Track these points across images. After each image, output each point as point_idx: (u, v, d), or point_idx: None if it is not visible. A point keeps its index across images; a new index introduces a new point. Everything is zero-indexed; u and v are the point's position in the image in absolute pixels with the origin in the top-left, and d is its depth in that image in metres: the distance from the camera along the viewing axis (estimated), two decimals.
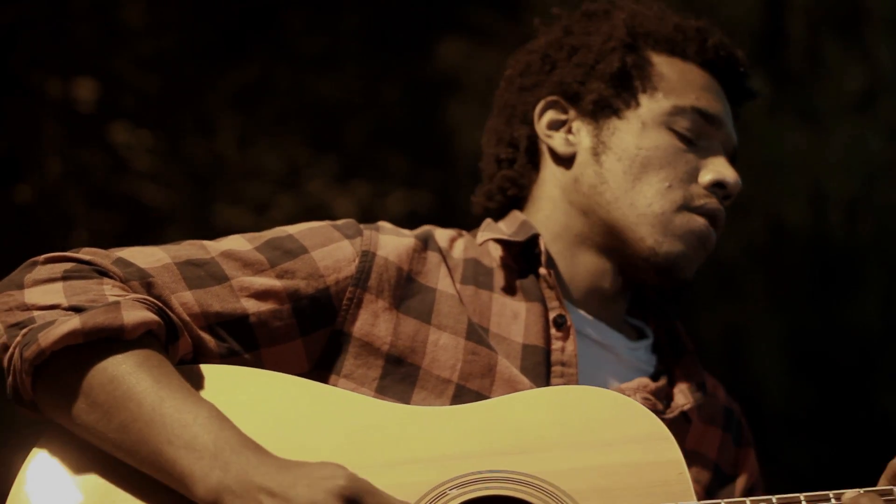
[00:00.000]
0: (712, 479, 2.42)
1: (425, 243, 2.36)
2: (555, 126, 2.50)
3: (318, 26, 5.52)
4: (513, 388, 2.23)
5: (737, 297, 5.64)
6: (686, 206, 2.39)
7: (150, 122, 5.16)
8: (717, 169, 2.42)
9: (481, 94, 5.47)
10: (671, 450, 2.03)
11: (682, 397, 2.41)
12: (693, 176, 2.41)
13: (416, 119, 5.56)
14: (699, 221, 2.40)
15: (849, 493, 1.99)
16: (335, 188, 5.31)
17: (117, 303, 2.00)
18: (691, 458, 2.30)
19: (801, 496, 1.99)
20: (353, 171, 5.35)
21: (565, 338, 2.32)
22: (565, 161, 2.47)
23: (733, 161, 2.49)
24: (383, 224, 2.40)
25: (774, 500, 1.99)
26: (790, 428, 5.27)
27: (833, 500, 1.99)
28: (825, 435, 5.33)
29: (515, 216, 2.49)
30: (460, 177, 5.33)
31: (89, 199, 5.03)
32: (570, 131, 2.48)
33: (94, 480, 1.98)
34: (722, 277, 5.51)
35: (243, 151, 5.39)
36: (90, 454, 2.00)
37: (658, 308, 2.56)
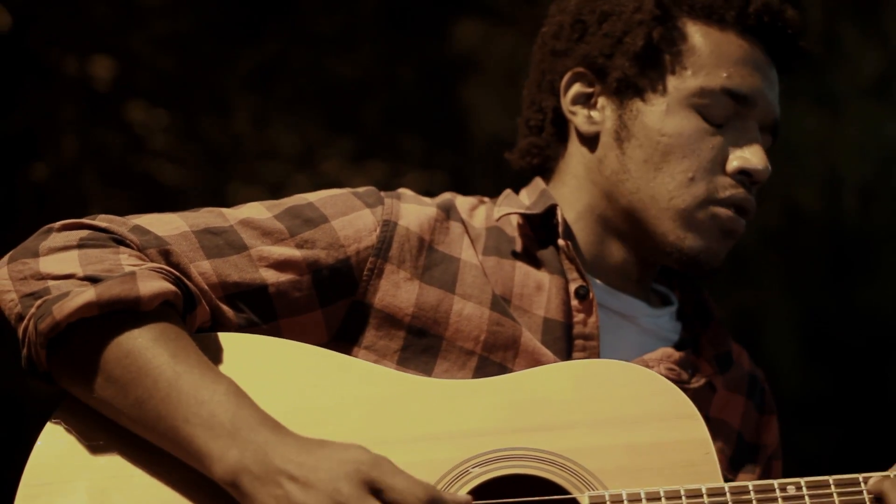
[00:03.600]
0: (736, 448, 2.39)
1: (447, 213, 2.32)
2: (580, 100, 2.40)
3: (335, 7, 5.51)
4: (536, 360, 2.20)
5: (751, 281, 5.63)
6: (709, 200, 2.29)
7: (166, 101, 5.16)
8: (745, 156, 2.30)
9: (497, 75, 5.47)
10: (698, 429, 2.00)
11: (708, 366, 2.38)
12: (719, 163, 2.31)
13: (431, 100, 5.56)
14: (724, 213, 2.30)
15: (875, 478, 1.98)
16: (350, 168, 5.31)
17: (133, 273, 1.96)
18: (714, 426, 2.27)
19: (831, 479, 1.97)
20: (368, 152, 5.35)
21: (587, 310, 2.28)
22: (589, 140, 2.39)
23: (774, 133, 2.39)
24: (404, 191, 2.36)
25: (803, 484, 1.96)
26: (804, 412, 5.27)
27: (863, 487, 1.96)
28: (839, 419, 5.33)
29: (537, 184, 2.44)
30: (475, 158, 5.33)
31: (105, 177, 5.04)
32: (595, 107, 2.39)
33: (109, 455, 1.97)
34: (736, 261, 5.48)
35: (259, 131, 5.39)
36: (105, 428, 1.98)
37: (684, 276, 2.51)
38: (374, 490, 1.82)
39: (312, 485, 1.82)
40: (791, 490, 1.96)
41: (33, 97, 4.95)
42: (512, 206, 2.37)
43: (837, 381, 5.45)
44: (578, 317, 2.27)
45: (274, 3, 5.38)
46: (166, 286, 1.98)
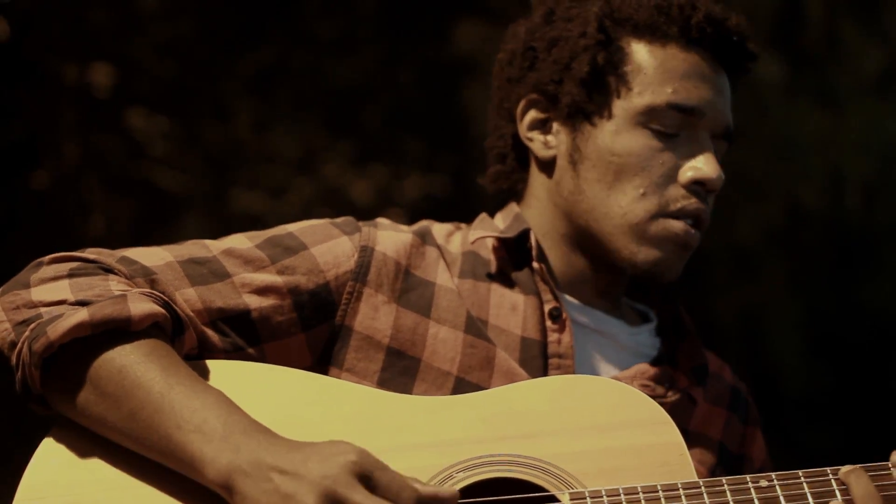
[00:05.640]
0: (718, 459, 2.42)
1: (423, 238, 2.38)
2: (536, 126, 2.43)
3: (335, 10, 5.52)
4: (511, 380, 2.25)
5: (754, 279, 5.64)
6: (662, 213, 2.33)
7: (166, 107, 5.17)
8: (696, 166, 2.33)
9: None
10: (671, 432, 2.06)
11: (685, 378, 2.42)
12: (671, 176, 2.34)
13: (432, 103, 5.57)
14: (676, 226, 2.33)
15: (844, 469, 2.02)
16: (352, 172, 5.32)
17: (124, 295, 2.02)
18: (696, 439, 2.32)
19: (800, 472, 2.02)
20: (369, 155, 5.36)
21: (561, 330, 2.33)
22: (547, 164, 2.43)
23: (728, 138, 2.42)
24: (381, 220, 2.42)
25: (774, 477, 2.01)
26: (808, 410, 5.28)
27: (831, 477, 2.01)
28: (843, 417, 5.33)
29: (511, 209, 2.49)
30: (476, 160, 5.33)
31: (106, 184, 5.06)
32: (550, 132, 2.42)
33: (103, 470, 2.00)
34: (739, 260, 5.52)
35: (260, 136, 5.40)
36: (99, 444, 2.01)
37: (661, 290, 2.55)
38: (362, 477, 1.85)
39: (302, 476, 1.85)
40: (763, 483, 2.01)
41: (33, 105, 4.97)
42: (486, 230, 2.42)
43: (841, 379, 5.46)
44: (553, 336, 2.33)
45: (273, 8, 5.39)
46: (156, 308, 2.03)
